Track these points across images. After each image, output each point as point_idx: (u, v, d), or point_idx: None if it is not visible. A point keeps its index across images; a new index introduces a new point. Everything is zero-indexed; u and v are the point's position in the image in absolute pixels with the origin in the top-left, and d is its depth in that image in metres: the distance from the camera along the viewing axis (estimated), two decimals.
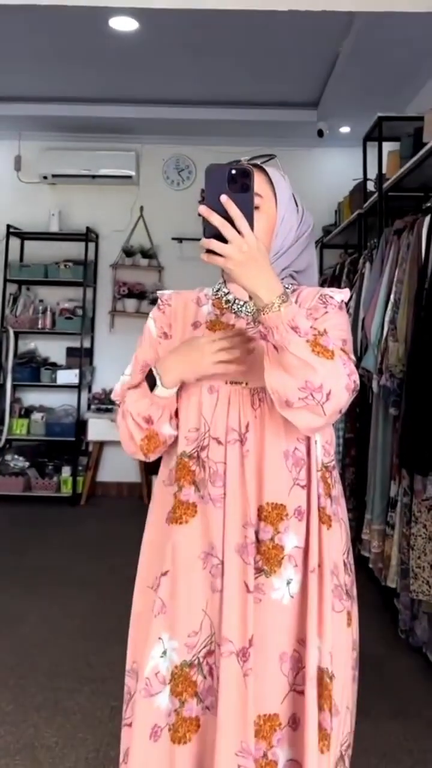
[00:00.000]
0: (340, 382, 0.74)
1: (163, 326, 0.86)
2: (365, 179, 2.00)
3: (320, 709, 0.75)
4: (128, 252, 2.69)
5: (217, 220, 0.71)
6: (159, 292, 0.84)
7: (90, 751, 1.11)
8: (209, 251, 0.71)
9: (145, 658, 0.80)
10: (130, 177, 2.65)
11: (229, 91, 2.25)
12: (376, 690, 1.27)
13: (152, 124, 2.49)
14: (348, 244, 2.45)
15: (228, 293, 0.85)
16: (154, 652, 0.80)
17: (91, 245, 2.71)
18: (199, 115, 2.44)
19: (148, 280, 2.72)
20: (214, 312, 0.86)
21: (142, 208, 2.72)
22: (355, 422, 1.87)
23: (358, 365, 1.14)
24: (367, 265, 1.79)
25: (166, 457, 0.84)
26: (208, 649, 0.80)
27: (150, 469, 2.53)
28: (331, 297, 0.82)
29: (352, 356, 0.77)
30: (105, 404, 2.69)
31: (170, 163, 2.72)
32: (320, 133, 2.42)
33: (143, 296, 2.72)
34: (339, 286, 1.50)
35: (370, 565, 1.59)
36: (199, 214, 0.70)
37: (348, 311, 1.12)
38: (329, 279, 2.35)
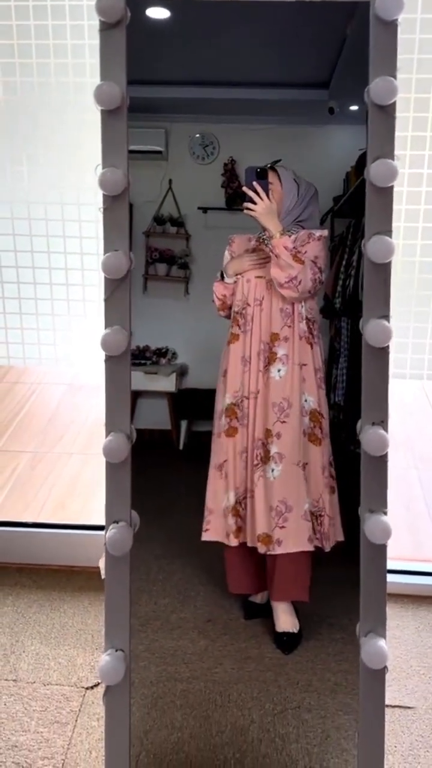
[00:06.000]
0: (307, 276, 1.53)
1: (230, 252, 1.74)
2: (368, 148, 2.24)
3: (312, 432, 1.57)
4: (159, 220, 2.94)
5: (251, 194, 1.54)
6: (230, 236, 1.77)
7: None
8: (247, 208, 1.56)
9: (221, 502, 1.63)
10: (160, 152, 2.92)
11: (249, 73, 2.50)
12: None
13: (180, 104, 2.75)
14: (358, 211, 2.67)
15: (263, 235, 1.64)
16: (224, 500, 1.65)
17: None
18: (222, 94, 2.69)
19: (176, 247, 2.98)
20: (255, 244, 1.70)
21: (171, 181, 2.98)
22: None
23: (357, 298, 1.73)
24: None
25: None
26: (243, 495, 1.61)
27: (180, 415, 2.82)
28: (313, 234, 1.62)
29: (320, 265, 1.55)
30: (139, 359, 2.96)
31: (196, 140, 2.98)
32: (331, 111, 2.66)
33: (173, 261, 2.98)
34: (345, 248, 2.08)
35: None
36: (239, 190, 1.60)
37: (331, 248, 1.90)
38: (338, 242, 2.57)
